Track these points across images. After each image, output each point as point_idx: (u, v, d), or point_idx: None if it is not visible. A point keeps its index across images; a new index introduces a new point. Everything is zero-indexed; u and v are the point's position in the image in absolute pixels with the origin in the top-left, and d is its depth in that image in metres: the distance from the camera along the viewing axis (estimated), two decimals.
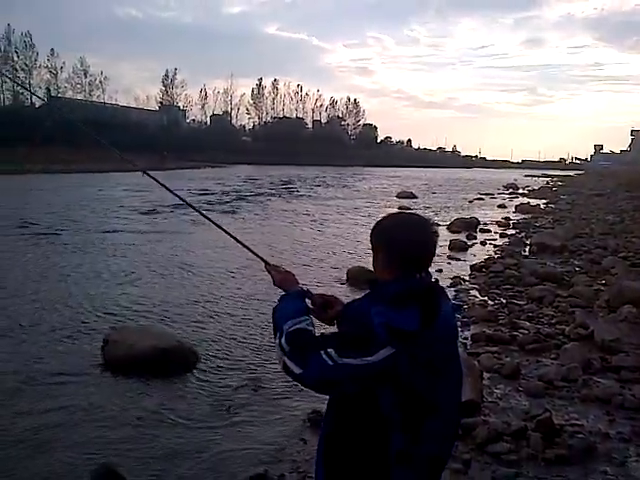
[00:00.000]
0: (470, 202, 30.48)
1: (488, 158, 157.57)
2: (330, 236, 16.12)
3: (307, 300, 1.97)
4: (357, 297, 1.89)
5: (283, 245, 14.10)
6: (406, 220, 1.87)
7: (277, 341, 1.79)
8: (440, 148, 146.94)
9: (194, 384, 5.62)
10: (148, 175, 2.41)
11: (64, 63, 73.14)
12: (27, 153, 44.47)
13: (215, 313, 8.03)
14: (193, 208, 2.58)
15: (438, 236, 1.86)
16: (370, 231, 1.88)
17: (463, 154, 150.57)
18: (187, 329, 7.23)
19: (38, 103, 64.94)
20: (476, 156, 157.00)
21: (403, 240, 1.77)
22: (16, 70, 65.14)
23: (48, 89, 69.29)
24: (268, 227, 17.68)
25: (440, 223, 17.39)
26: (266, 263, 2.15)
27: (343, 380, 1.66)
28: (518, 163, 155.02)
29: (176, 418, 4.89)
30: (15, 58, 67.78)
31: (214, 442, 4.49)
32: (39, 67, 70.38)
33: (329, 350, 1.65)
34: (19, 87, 66.34)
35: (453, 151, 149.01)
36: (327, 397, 1.86)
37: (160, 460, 4.22)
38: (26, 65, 68.83)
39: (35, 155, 45.95)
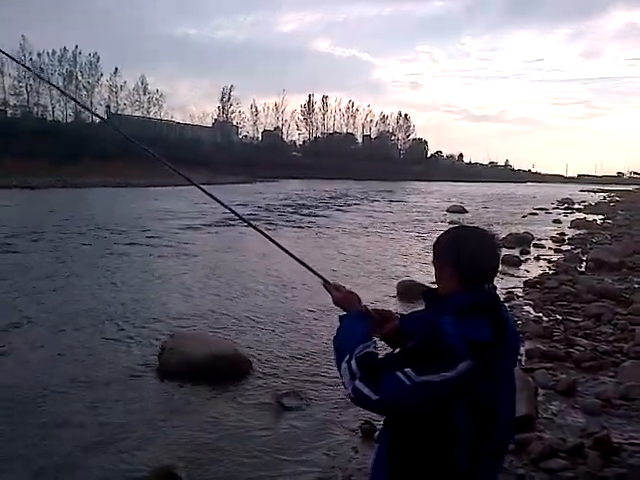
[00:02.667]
0: (523, 217, 29.83)
1: (542, 173, 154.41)
2: (379, 250, 16.08)
3: None
4: (412, 310, 1.89)
5: (331, 258, 14.14)
6: (473, 233, 1.85)
7: (345, 365, 1.69)
8: (492, 162, 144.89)
9: (248, 392, 5.71)
10: (201, 189, 2.43)
11: (125, 82, 75.83)
12: (86, 167, 46.43)
13: (270, 324, 8.14)
14: (249, 224, 2.51)
15: (502, 249, 1.86)
16: (434, 243, 1.87)
17: (516, 168, 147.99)
18: (242, 338, 7.36)
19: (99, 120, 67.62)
20: (529, 170, 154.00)
21: (473, 252, 1.75)
22: (79, 89, 67.94)
23: (108, 107, 72.09)
24: (317, 240, 17.79)
25: None
26: (325, 282, 2.08)
27: (422, 400, 1.58)
28: (573, 178, 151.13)
29: (229, 425, 4.98)
30: (79, 77, 70.80)
31: (266, 448, 4.56)
32: (101, 85, 73.29)
33: (406, 370, 1.57)
34: (80, 106, 68.99)
35: (505, 165, 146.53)
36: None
37: (213, 465, 4.32)
38: (89, 83, 71.86)
39: (93, 169, 48.03)
